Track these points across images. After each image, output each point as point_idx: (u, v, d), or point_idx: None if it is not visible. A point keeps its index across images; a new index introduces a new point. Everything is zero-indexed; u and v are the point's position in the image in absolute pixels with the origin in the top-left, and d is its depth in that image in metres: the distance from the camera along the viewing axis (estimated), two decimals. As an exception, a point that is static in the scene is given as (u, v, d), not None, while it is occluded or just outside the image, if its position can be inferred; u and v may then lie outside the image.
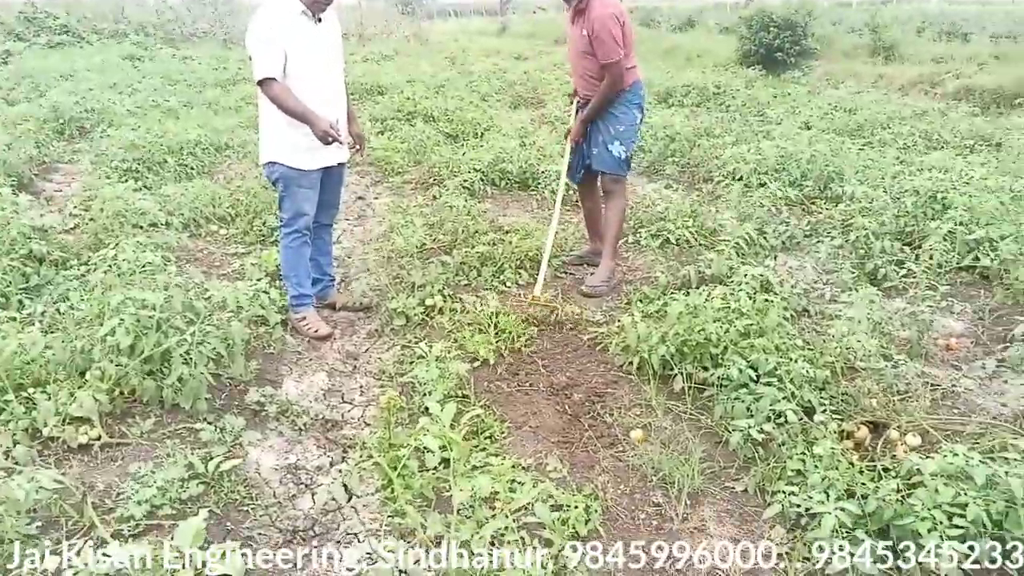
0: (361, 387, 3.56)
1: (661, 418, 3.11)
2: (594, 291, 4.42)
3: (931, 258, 4.33)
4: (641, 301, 4.15)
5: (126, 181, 6.31)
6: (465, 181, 6.45)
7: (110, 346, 3.03)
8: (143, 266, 3.74)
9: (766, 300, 3.33)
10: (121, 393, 3.04)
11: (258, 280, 3.81)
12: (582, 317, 4.07)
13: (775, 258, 4.60)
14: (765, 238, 4.79)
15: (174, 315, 3.15)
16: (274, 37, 3.48)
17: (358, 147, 4.08)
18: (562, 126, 8.96)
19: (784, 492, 2.48)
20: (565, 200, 6.28)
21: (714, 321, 3.21)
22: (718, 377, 3.08)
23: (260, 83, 3.51)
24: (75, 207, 5.81)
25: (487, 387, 3.37)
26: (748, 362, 3.03)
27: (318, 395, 3.46)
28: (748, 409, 2.88)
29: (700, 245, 5.01)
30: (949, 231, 4.46)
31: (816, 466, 2.54)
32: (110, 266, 3.75)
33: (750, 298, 3.32)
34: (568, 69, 4.51)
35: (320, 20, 3.65)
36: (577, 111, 4.50)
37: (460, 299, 4.21)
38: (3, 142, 7.00)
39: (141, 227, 5.23)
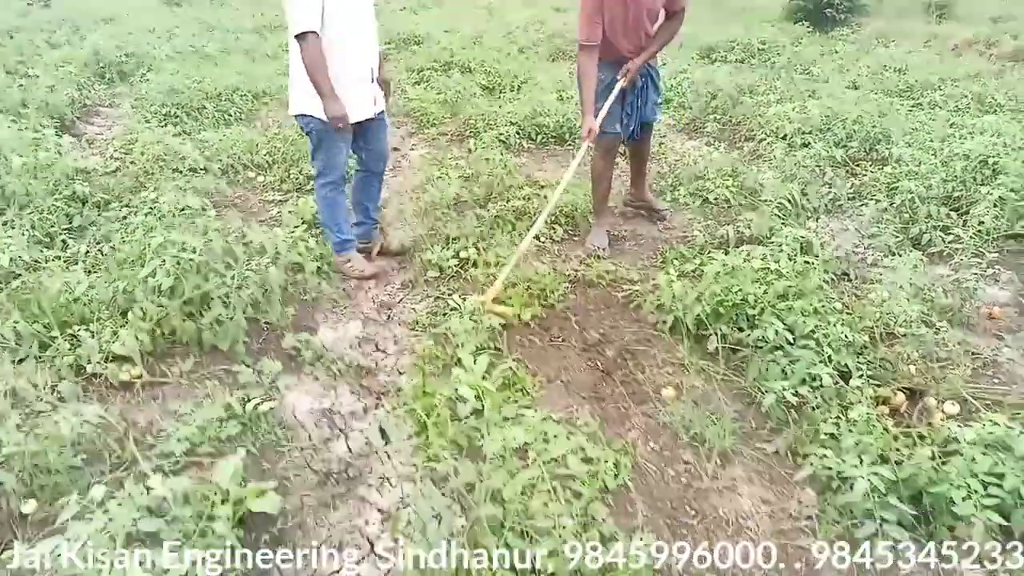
0: (395, 336, 3.59)
1: (693, 377, 3.10)
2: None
3: (979, 224, 4.21)
4: (677, 260, 4.10)
5: (165, 126, 6.38)
6: (501, 134, 6.39)
7: (151, 287, 3.09)
8: (183, 210, 3.79)
9: (806, 262, 3.28)
10: (162, 333, 3.10)
11: (295, 228, 3.84)
12: (616, 274, 4.04)
13: (817, 220, 4.50)
14: (807, 199, 4.68)
15: (214, 259, 3.19)
16: None
17: (384, 93, 4.03)
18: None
19: (816, 455, 2.47)
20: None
21: (752, 282, 3.17)
22: (754, 339, 3.05)
23: (298, 37, 3.46)
24: (116, 150, 5.88)
25: (519, 341, 3.37)
26: (785, 324, 2.99)
27: (352, 343, 3.50)
28: (783, 371, 2.85)
29: (740, 205, 4.92)
30: (999, 197, 4.32)
31: (850, 430, 2.52)
32: (151, 209, 3.81)
33: (790, 260, 3.26)
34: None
35: (354, -31, 3.58)
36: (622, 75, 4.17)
37: (495, 252, 4.20)
38: (46, 84, 7.09)
39: (180, 171, 5.29)
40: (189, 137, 6.16)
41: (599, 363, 3.22)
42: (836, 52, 10.90)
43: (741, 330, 3.20)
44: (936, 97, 7.67)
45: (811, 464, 2.45)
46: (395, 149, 6.70)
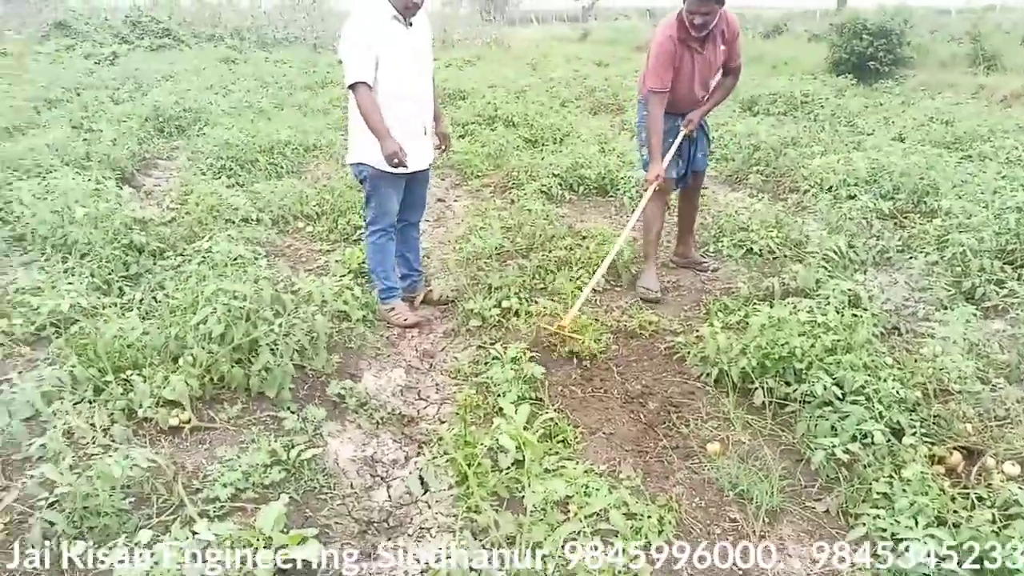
0: (437, 385, 3.60)
1: (740, 432, 3.03)
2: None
3: (1035, 278, 4.10)
4: (721, 312, 4.06)
5: (220, 178, 6.61)
6: (544, 186, 6.48)
7: (202, 334, 3.16)
8: (235, 259, 3.89)
9: (855, 315, 3.21)
10: (211, 379, 3.16)
11: (342, 277, 3.92)
12: (659, 325, 4.02)
13: (865, 273, 4.41)
14: (855, 252, 4.61)
15: (263, 307, 3.26)
16: (367, 43, 3.58)
17: (444, 147, 4.16)
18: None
19: (869, 515, 2.39)
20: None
21: (799, 335, 3.12)
22: (801, 393, 2.99)
23: (351, 87, 3.61)
24: (172, 201, 6.10)
25: (561, 391, 3.35)
26: (834, 379, 2.93)
27: (395, 391, 3.52)
28: (832, 428, 2.78)
29: (784, 256, 4.87)
30: (1056, 251, 4.21)
31: (904, 490, 2.43)
32: (204, 258, 3.92)
33: (838, 313, 3.20)
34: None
35: (411, 24, 3.73)
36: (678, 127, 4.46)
37: (536, 302, 4.22)
38: (108, 138, 7.42)
39: (233, 222, 5.46)
40: (242, 188, 6.36)
41: (642, 416, 3.18)
42: (880, 104, 10.85)
43: (788, 384, 3.13)
44: (986, 149, 7.55)
45: (863, 524, 2.37)
46: (439, 200, 6.83)
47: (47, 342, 3.58)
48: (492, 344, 3.81)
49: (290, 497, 2.62)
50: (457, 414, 3.20)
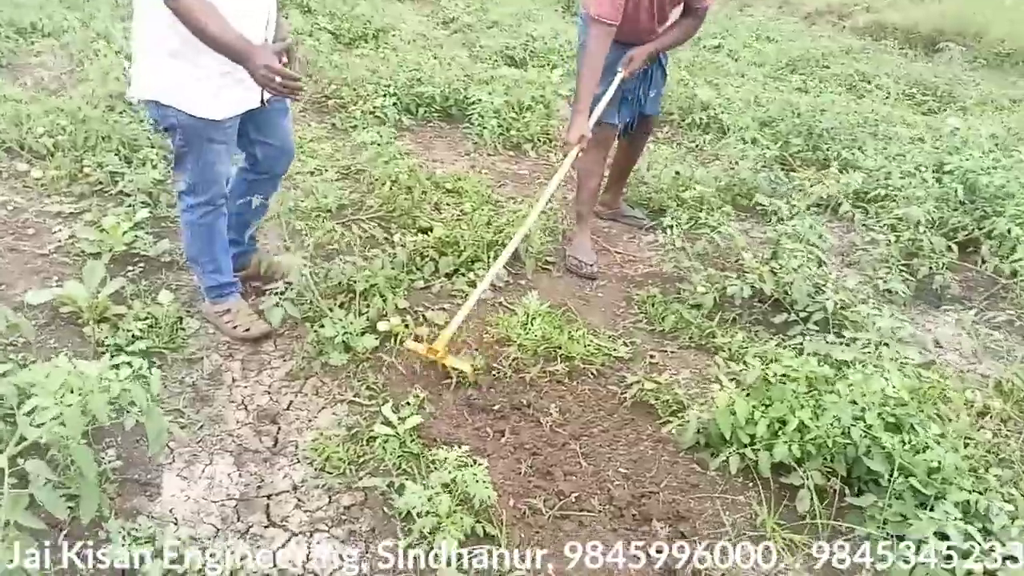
0: (295, 486, 2.21)
1: (791, 563, 2.05)
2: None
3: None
4: (723, 356, 2.79)
5: None
6: (376, 107, 4.99)
7: None
8: None
9: (920, 376, 2.31)
10: None
11: (99, 289, 2.32)
12: (600, 349, 2.87)
13: (826, 266, 3.50)
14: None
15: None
16: None
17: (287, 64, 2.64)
18: (470, 30, 7.48)
19: None
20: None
21: (859, 407, 2.14)
22: (886, 521, 2.02)
23: None
24: None
25: (515, 509, 2.12)
26: (907, 473, 2.02)
27: (225, 513, 2.09)
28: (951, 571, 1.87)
29: (712, 227, 3.74)
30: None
31: None
32: None
33: (902, 373, 2.26)
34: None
35: None
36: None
37: (423, 317, 2.90)
38: None
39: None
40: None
41: (649, 552, 2.04)
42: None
43: (834, 474, 2.19)
44: (825, 75, 7.25)
45: None
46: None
47: None
48: (371, 399, 2.50)
49: None
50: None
